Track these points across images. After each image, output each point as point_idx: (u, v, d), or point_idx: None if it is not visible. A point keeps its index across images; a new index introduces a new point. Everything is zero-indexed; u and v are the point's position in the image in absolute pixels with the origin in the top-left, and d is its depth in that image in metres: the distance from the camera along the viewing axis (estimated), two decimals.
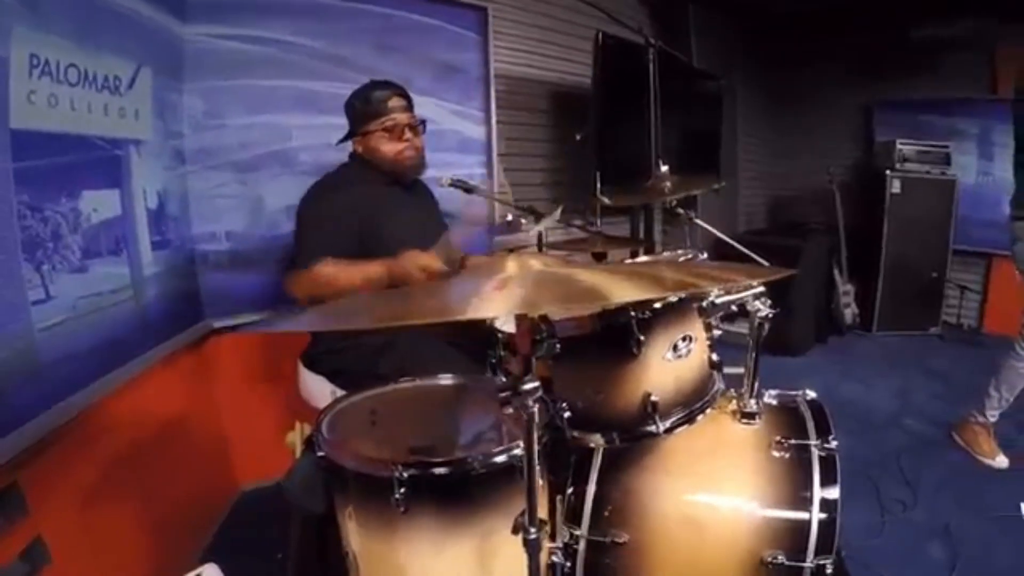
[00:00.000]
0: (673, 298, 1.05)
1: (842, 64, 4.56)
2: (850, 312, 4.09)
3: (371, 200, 1.57)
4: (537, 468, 0.79)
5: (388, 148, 1.58)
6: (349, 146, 1.70)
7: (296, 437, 1.42)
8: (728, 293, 1.25)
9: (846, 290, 4.08)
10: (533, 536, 0.81)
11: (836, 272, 4.07)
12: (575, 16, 3.30)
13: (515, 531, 0.85)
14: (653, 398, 1.12)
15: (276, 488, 2.18)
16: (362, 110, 1.60)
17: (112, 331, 1.48)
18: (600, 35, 2.80)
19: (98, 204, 1.45)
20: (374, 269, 1.39)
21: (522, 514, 0.84)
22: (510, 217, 0.84)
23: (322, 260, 1.43)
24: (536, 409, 0.72)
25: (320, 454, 1.01)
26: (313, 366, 1.62)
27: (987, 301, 4.10)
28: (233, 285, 2.11)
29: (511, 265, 0.76)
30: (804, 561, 1.05)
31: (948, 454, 2.42)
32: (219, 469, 2.14)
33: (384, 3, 2.38)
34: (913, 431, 2.66)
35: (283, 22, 2.11)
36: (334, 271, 1.42)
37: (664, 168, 1.98)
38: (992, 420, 2.36)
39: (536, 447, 0.77)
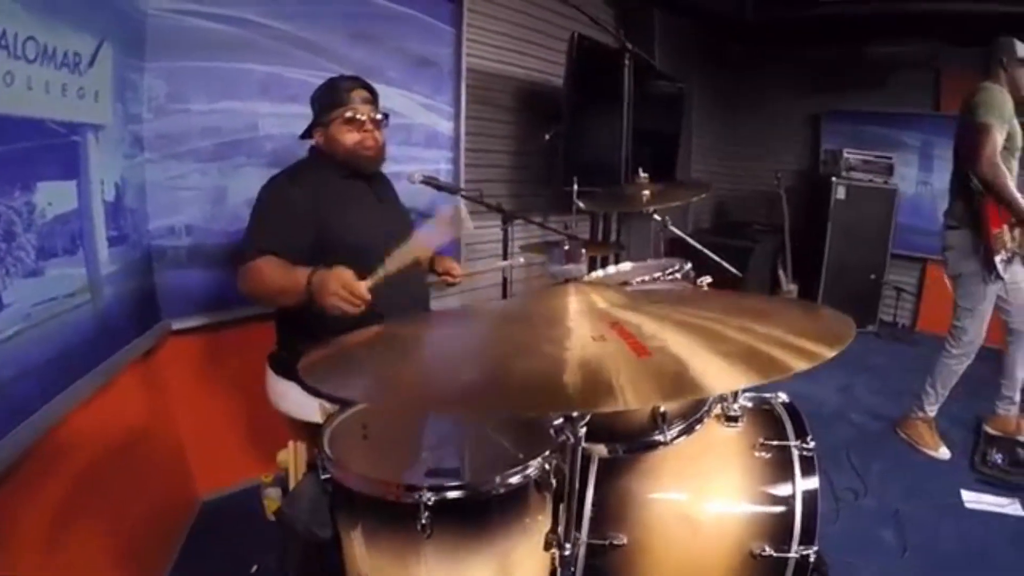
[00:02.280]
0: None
1: (795, 74, 4.77)
2: None
3: (328, 193, 1.52)
4: (576, 486, 0.78)
5: (348, 138, 1.54)
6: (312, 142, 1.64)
7: (290, 456, 1.32)
8: None
9: (790, 289, 4.28)
10: (568, 552, 0.81)
11: (781, 272, 4.28)
12: (548, 15, 3.28)
13: (547, 547, 0.84)
14: (662, 409, 1.13)
15: (237, 497, 2.09)
16: (326, 100, 1.56)
17: (69, 340, 1.34)
18: (576, 36, 2.79)
19: (53, 197, 1.30)
20: (297, 276, 1.30)
21: (553, 530, 0.83)
22: (567, 245, 0.79)
23: (263, 253, 1.38)
24: (584, 433, 0.71)
25: (326, 476, 0.96)
26: (284, 372, 1.53)
27: (921, 302, 4.41)
28: (192, 283, 1.97)
29: (576, 315, 0.71)
30: (789, 552, 1.12)
31: (893, 446, 2.61)
32: (180, 481, 2.01)
33: None
34: (858, 424, 2.85)
35: (252, 1, 1.96)
36: (266, 268, 1.37)
37: (644, 175, 1.99)
38: (932, 414, 2.56)
39: (577, 467, 0.76)
